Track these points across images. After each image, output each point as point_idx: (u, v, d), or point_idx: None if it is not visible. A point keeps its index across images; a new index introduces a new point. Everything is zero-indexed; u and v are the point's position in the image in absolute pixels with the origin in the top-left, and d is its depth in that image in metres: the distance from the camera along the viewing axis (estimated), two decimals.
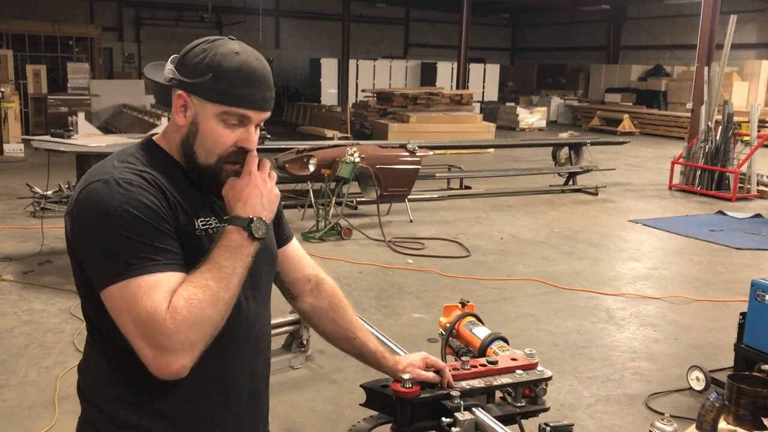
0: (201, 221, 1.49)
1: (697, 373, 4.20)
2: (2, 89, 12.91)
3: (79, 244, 1.41)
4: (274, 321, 4.23)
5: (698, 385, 4.17)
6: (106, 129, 13.89)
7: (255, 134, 1.52)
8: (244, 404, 1.60)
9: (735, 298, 5.99)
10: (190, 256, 1.44)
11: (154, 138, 1.58)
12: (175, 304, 1.32)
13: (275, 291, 1.78)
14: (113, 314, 1.36)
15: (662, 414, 3.97)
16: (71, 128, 9.28)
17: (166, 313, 1.30)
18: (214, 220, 1.52)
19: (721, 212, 9.71)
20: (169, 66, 1.51)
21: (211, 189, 1.52)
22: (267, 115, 1.52)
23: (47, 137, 6.88)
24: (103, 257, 1.36)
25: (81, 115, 12.21)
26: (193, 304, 1.32)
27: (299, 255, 1.83)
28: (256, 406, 1.65)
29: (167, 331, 1.30)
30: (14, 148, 12.70)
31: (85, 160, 6.34)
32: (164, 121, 12.40)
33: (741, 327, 3.86)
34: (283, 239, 1.79)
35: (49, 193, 8.32)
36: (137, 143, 1.57)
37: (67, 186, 8.61)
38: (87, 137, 7.24)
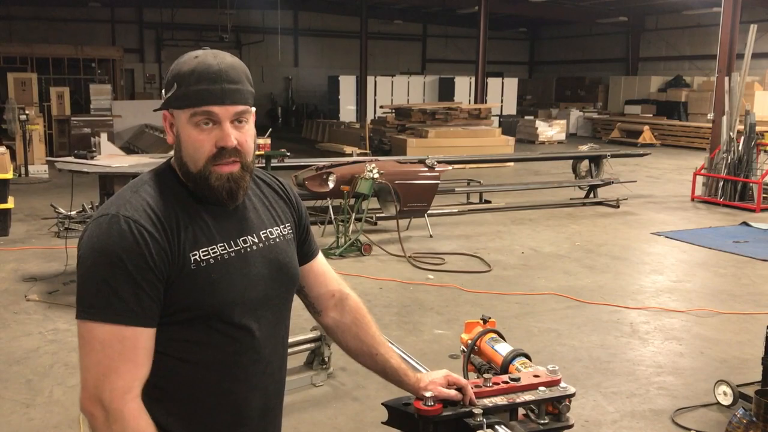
0: (203, 251, 1.49)
1: (724, 388, 4.13)
2: (27, 112, 13.12)
3: (76, 267, 1.48)
4: (295, 338, 4.23)
5: (725, 400, 4.11)
6: (129, 149, 14.09)
7: (235, 131, 1.50)
8: (256, 423, 1.62)
9: (762, 310, 5.91)
10: (184, 290, 1.47)
11: (171, 161, 1.61)
12: (126, 418, 1.40)
13: (297, 306, 1.79)
14: (79, 344, 1.44)
15: (689, 429, 3.92)
16: (94, 149, 9.41)
17: (114, 403, 1.40)
18: (221, 247, 1.52)
19: (745, 223, 9.59)
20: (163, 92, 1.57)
21: (213, 197, 1.51)
22: (236, 108, 1.49)
23: (71, 158, 6.98)
24: (81, 288, 1.43)
25: (104, 136, 12.37)
26: None
27: (324, 270, 1.84)
28: (268, 425, 1.67)
29: (107, 412, 1.40)
30: (39, 169, 12.90)
31: (108, 180, 6.42)
32: None
33: None
34: (308, 254, 1.80)
35: (73, 213, 8.43)
36: (155, 168, 1.60)
37: (90, 206, 8.71)
38: (110, 158, 7.34)
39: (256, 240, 1.59)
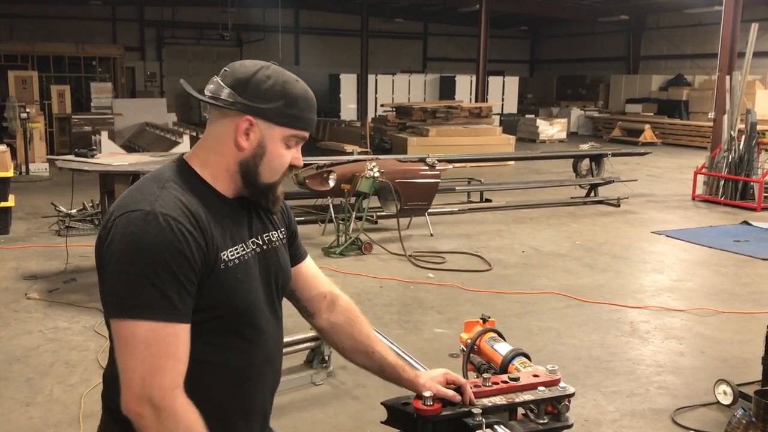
0: (230, 251, 1.52)
1: (724, 387, 4.13)
2: (28, 110, 13.11)
3: (105, 266, 1.45)
4: (295, 337, 4.24)
5: (725, 399, 4.11)
6: (129, 147, 14.08)
7: None
8: (259, 418, 1.67)
9: (762, 309, 5.90)
10: (212, 289, 1.47)
11: (185, 158, 1.61)
12: (178, 413, 1.40)
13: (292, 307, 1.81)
14: (117, 344, 1.42)
15: (689, 429, 3.91)
16: (95, 147, 9.43)
17: (165, 400, 1.39)
18: (242, 247, 1.56)
19: (746, 222, 9.58)
20: (226, 90, 1.52)
21: (267, 204, 1.62)
22: None
23: (71, 157, 6.98)
24: (121, 288, 1.40)
25: (104, 134, 12.41)
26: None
27: (314, 272, 1.87)
28: (265, 418, 1.72)
29: (157, 410, 1.39)
30: (39, 167, 12.91)
31: (108, 179, 6.42)
32: (186, 139, 12.48)
33: None
34: (297, 257, 1.82)
35: (74, 211, 8.44)
36: (172, 165, 1.59)
37: (91, 204, 8.73)
38: (110, 156, 7.34)
39: (261, 242, 1.64)
